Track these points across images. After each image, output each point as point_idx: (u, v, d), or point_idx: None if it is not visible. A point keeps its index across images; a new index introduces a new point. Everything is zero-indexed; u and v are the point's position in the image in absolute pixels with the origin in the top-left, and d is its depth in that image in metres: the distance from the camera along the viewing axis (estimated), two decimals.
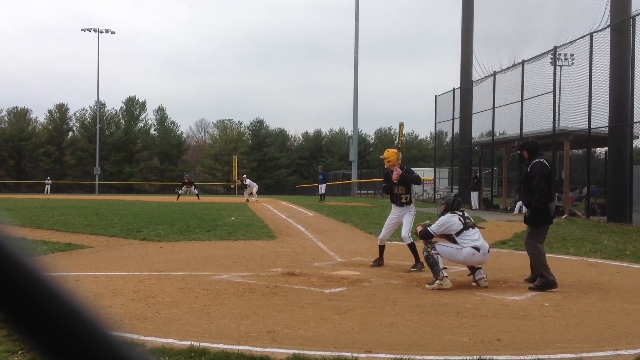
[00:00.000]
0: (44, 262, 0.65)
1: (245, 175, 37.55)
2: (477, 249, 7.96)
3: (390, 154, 9.96)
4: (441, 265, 7.91)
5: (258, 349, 4.83)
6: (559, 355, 4.85)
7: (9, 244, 0.61)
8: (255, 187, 33.99)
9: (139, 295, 7.09)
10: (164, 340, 5.04)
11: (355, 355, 4.70)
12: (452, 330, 5.62)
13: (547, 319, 6.17)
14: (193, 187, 39.65)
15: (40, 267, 0.63)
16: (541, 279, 7.83)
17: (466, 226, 8.16)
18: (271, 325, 5.67)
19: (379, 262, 9.79)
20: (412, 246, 9.54)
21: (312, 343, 5.08)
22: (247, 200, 32.88)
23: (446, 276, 7.87)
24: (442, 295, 7.38)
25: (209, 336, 5.22)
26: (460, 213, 8.35)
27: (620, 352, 4.97)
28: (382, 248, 9.91)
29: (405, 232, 9.65)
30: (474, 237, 8.10)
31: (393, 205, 10.02)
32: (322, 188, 34.72)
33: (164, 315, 6.03)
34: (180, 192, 39.22)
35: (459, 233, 8.10)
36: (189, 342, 4.88)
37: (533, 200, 8.11)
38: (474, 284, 8.10)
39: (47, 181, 58.55)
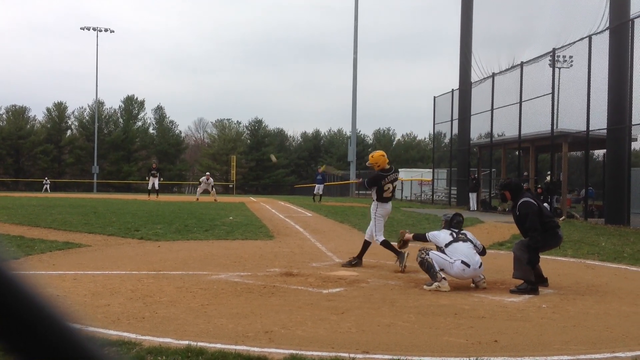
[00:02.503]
0: (13, 262, 0.65)
1: (208, 174, 37.21)
2: (467, 264, 7.88)
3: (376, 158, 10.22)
4: (437, 268, 7.91)
5: (255, 349, 4.83)
6: (556, 357, 4.85)
7: None
8: (206, 185, 33.91)
9: (137, 294, 7.09)
10: (161, 339, 5.03)
11: (352, 355, 4.70)
12: (449, 332, 5.62)
13: (544, 321, 6.17)
14: (158, 176, 36.00)
15: (8, 267, 0.62)
16: (523, 284, 7.73)
17: (456, 239, 8.16)
18: (269, 325, 5.66)
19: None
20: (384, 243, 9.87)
21: (309, 343, 5.08)
22: (206, 198, 32.92)
23: (444, 278, 7.88)
24: (440, 297, 7.38)
25: (207, 336, 5.22)
26: (456, 230, 8.37)
27: (617, 355, 4.97)
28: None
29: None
30: (464, 251, 8.01)
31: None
32: (320, 188, 34.70)
33: (161, 315, 6.03)
34: (148, 179, 35.53)
35: (447, 245, 8.11)
36: (186, 342, 4.88)
37: (531, 242, 7.95)
38: (472, 285, 8.11)
39: (45, 181, 58.56)
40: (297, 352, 4.73)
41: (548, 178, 24.06)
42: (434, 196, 38.91)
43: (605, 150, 22.24)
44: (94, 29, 64.74)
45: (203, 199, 34.09)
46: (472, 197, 29.72)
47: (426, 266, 8.02)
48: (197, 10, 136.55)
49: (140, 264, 9.77)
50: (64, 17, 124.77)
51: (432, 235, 8.53)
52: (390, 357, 4.72)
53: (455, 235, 8.26)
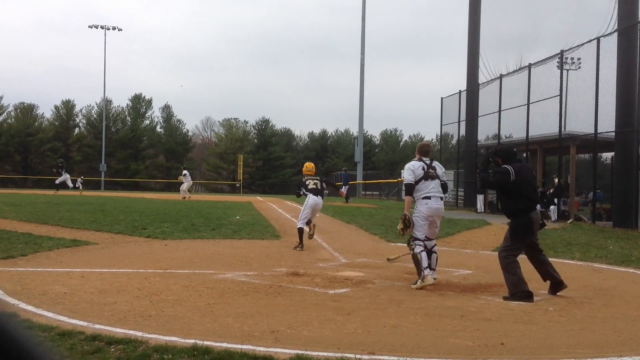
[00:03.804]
0: None
1: (184, 167, 37.13)
2: (429, 197, 8.30)
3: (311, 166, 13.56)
4: (424, 264, 8.06)
5: (261, 348, 4.84)
6: None
7: None
8: (187, 184, 34.02)
9: (143, 292, 7.11)
10: (167, 338, 5.04)
11: (358, 356, 4.70)
12: (455, 334, 5.61)
13: (551, 324, 6.15)
14: (64, 173, 35.03)
15: None
16: (512, 296, 7.48)
17: (426, 176, 8.44)
18: (275, 325, 5.67)
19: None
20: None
21: (315, 344, 5.08)
22: (184, 197, 32.93)
23: (427, 273, 8.02)
24: (446, 298, 7.37)
25: (213, 335, 5.23)
26: (428, 162, 8.60)
27: (624, 359, 4.95)
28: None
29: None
30: (429, 187, 8.36)
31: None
32: (346, 189, 34.44)
33: (167, 313, 6.04)
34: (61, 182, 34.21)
35: (417, 182, 8.42)
36: (192, 341, 4.89)
37: (484, 178, 7.89)
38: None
39: (79, 180, 59.66)
40: (303, 352, 4.73)
41: (556, 180, 23.95)
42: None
43: (613, 153, 22.15)
44: (102, 27, 64.92)
45: (177, 196, 34.24)
46: (480, 198, 29.65)
47: (415, 261, 8.24)
48: (205, 9, 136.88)
49: (147, 262, 9.81)
50: (72, 16, 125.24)
51: (409, 174, 8.62)
52: (396, 358, 4.72)
53: (425, 170, 8.50)
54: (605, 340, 5.59)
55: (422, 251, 8.20)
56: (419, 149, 8.96)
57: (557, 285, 7.81)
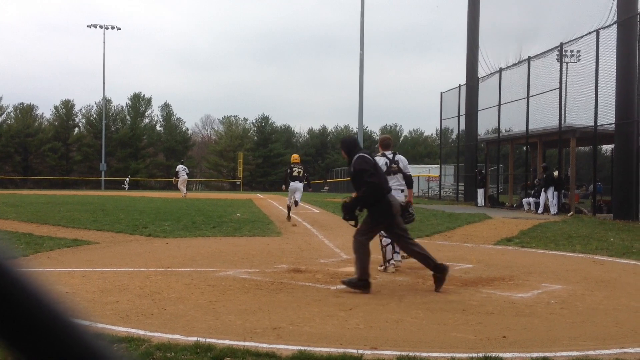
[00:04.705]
0: (20, 260, 0.65)
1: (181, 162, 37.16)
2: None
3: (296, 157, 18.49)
4: (389, 256, 8.84)
5: (264, 345, 4.85)
6: (564, 353, 4.83)
7: None
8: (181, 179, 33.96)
9: (145, 291, 7.11)
10: (170, 336, 5.05)
11: (360, 352, 4.70)
12: (457, 328, 5.62)
13: (553, 317, 6.16)
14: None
15: (15, 265, 0.62)
16: (358, 281, 7.39)
17: (388, 172, 8.86)
18: (277, 321, 5.68)
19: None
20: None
21: (317, 339, 5.08)
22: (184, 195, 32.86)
23: (390, 264, 8.81)
24: (448, 293, 7.38)
25: (215, 332, 5.23)
26: (390, 157, 9.07)
27: (626, 350, 4.95)
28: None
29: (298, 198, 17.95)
30: (391, 182, 8.69)
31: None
32: None
33: (170, 311, 6.05)
34: None
35: None
36: (195, 338, 4.90)
37: (361, 193, 7.65)
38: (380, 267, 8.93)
39: (126, 180, 61.15)
40: (305, 348, 4.74)
41: (556, 173, 23.95)
42: (442, 192, 38.85)
43: (613, 145, 22.15)
44: (101, 27, 64.82)
45: (178, 194, 34.31)
46: (480, 192, 29.67)
47: (383, 252, 9.01)
48: (203, 6, 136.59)
49: (148, 260, 9.81)
50: (71, 15, 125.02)
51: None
52: (398, 353, 4.72)
53: (388, 164, 8.96)
54: (607, 332, 5.59)
55: (388, 244, 8.83)
56: (381, 142, 9.56)
57: (435, 269, 7.52)
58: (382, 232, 8.79)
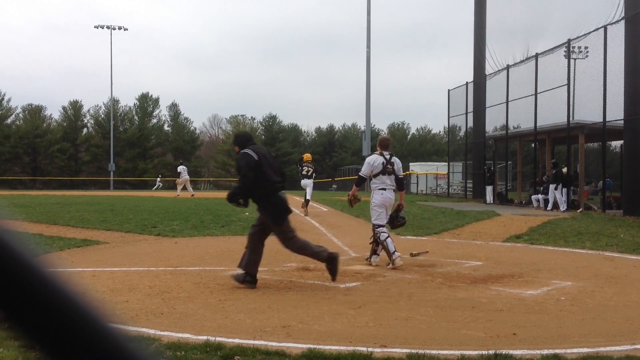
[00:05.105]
0: (47, 258, 0.65)
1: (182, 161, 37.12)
2: (384, 189, 9.29)
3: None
4: (391, 249, 8.93)
5: (273, 343, 4.85)
6: (575, 350, 4.82)
7: (10, 239, 0.60)
8: (184, 180, 33.79)
9: (155, 290, 7.14)
10: (180, 335, 5.07)
11: (370, 349, 4.70)
12: (467, 325, 5.61)
13: (563, 314, 6.14)
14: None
15: (43, 264, 0.62)
16: (246, 276, 7.39)
17: (384, 171, 9.29)
18: (286, 320, 5.69)
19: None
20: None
21: (327, 338, 5.09)
22: (192, 194, 32.96)
23: (396, 256, 8.89)
24: (457, 290, 7.37)
25: (225, 331, 5.25)
26: (387, 157, 9.37)
27: (637, 347, 4.93)
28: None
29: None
30: (386, 181, 9.28)
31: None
32: None
33: (179, 310, 6.07)
34: None
35: (376, 175, 9.32)
36: (204, 337, 4.91)
37: (237, 185, 7.80)
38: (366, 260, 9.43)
39: (158, 179, 61.97)
40: (314, 346, 4.74)
41: (565, 169, 23.85)
42: (450, 190, 38.76)
43: (622, 141, 22.03)
44: (108, 27, 65.01)
45: (186, 194, 34.22)
46: (488, 190, 29.58)
47: (383, 248, 9.17)
48: (209, 6, 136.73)
49: (157, 260, 9.84)
50: (78, 16, 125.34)
51: (367, 167, 9.54)
52: (408, 350, 4.72)
53: (384, 164, 9.32)
54: (617, 328, 5.57)
55: (387, 238, 9.08)
56: (380, 142, 9.83)
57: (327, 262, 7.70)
58: (378, 228, 9.20)
